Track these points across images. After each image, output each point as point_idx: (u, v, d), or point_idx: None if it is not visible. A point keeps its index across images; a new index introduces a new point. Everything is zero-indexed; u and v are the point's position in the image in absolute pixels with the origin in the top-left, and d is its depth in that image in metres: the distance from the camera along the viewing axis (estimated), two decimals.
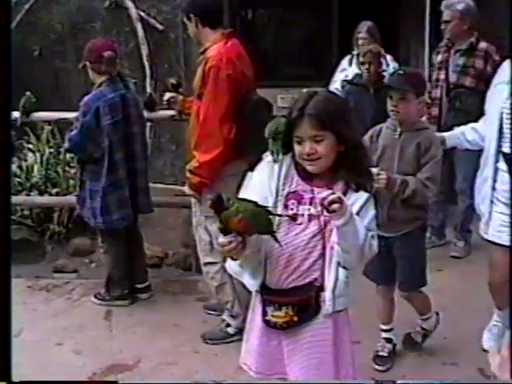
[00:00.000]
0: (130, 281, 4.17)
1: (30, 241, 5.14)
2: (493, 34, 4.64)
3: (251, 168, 2.27)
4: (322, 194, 1.95)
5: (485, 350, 3.28)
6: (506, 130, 2.96)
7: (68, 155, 5.26)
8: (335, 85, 5.05)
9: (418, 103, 3.02)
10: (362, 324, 3.07)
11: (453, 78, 4.57)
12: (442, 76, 4.61)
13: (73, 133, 3.90)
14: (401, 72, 3.20)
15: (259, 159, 2.23)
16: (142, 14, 6.12)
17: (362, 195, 2.11)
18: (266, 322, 2.17)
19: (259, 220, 2.02)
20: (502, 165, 3.01)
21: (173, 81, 4.00)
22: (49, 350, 3.57)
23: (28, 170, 5.43)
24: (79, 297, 4.26)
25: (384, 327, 3.35)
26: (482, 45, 4.50)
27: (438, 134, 3.39)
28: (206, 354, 3.49)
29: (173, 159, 6.17)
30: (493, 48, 4.47)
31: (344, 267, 2.10)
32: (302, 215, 2.11)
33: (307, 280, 2.11)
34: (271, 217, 2.07)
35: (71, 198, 4.60)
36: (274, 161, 2.17)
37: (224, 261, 2.42)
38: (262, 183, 2.17)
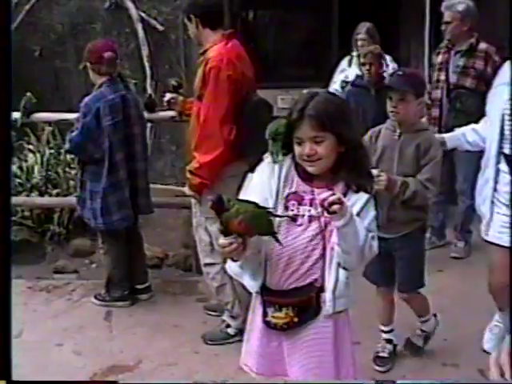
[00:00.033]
0: (130, 281, 4.17)
1: (31, 242, 5.14)
2: (493, 34, 4.64)
3: (251, 169, 2.27)
4: (323, 194, 1.95)
5: (485, 351, 3.28)
6: (507, 132, 2.95)
7: (68, 156, 5.26)
8: (335, 86, 5.05)
9: (417, 104, 3.01)
10: (362, 325, 3.06)
11: (453, 78, 4.57)
12: (443, 77, 4.61)
13: (73, 134, 3.90)
14: (400, 73, 3.20)
15: (259, 160, 2.23)
16: (143, 14, 6.12)
17: (363, 196, 2.11)
18: (267, 323, 2.17)
19: (260, 221, 2.02)
20: (504, 166, 2.99)
21: (173, 82, 4.00)
22: (49, 351, 3.57)
23: (28, 170, 5.44)
24: (79, 297, 4.26)
25: (384, 328, 3.34)
26: (482, 46, 4.50)
27: (439, 136, 3.39)
28: (207, 355, 3.49)
29: (173, 160, 6.17)
30: (493, 49, 4.47)
31: (344, 268, 2.10)
32: (303, 216, 2.11)
33: (307, 281, 2.11)
34: (272, 218, 2.07)
35: (71, 199, 4.61)
36: (274, 162, 2.17)
37: (224, 262, 2.42)
38: (262, 184, 2.17)
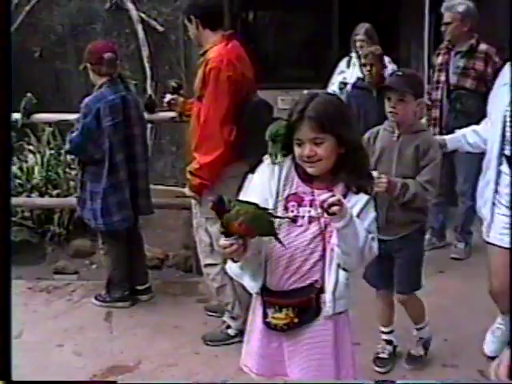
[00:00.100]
0: (130, 282, 4.17)
1: (31, 242, 5.14)
2: (493, 35, 4.64)
3: (252, 170, 2.27)
4: (322, 196, 1.96)
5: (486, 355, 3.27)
6: (509, 133, 2.94)
7: (68, 157, 5.26)
8: (333, 87, 5.06)
9: (416, 105, 3.00)
10: (362, 326, 3.06)
11: (453, 79, 4.57)
12: (443, 78, 4.61)
13: (73, 134, 3.90)
14: (399, 73, 3.19)
15: (260, 161, 2.23)
16: (143, 15, 6.12)
17: (362, 197, 2.11)
18: (267, 324, 2.17)
19: (260, 223, 2.02)
20: (505, 168, 2.98)
21: (173, 83, 4.00)
22: (49, 352, 3.57)
23: (29, 171, 5.44)
24: (80, 298, 4.26)
25: (384, 329, 3.34)
26: (483, 47, 4.50)
27: (439, 137, 3.38)
28: (207, 356, 3.49)
29: (173, 161, 6.17)
30: (493, 50, 4.47)
31: (344, 269, 2.10)
32: (303, 217, 2.11)
33: (307, 282, 2.12)
34: (272, 219, 2.07)
35: (72, 200, 4.61)
36: (273, 163, 2.17)
37: (224, 262, 2.42)
38: (262, 185, 2.18)
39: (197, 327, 3.76)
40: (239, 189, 2.32)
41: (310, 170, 2.11)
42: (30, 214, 5.27)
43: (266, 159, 2.20)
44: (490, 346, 3.32)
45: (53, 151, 5.62)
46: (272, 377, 2.28)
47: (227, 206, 1.99)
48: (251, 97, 3.44)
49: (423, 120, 4.06)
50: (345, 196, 2.07)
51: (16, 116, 4.45)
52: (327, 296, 2.11)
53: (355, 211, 2.06)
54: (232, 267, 2.15)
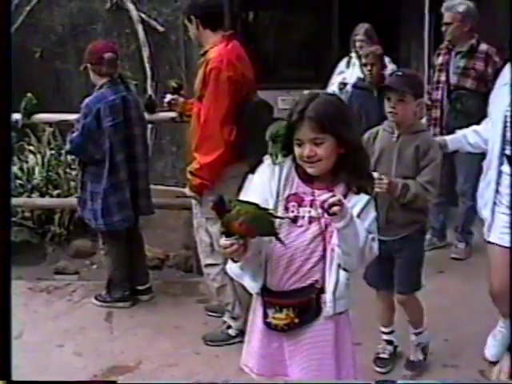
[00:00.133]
0: (130, 282, 4.17)
1: (31, 242, 5.15)
2: (493, 35, 4.64)
3: (252, 170, 2.27)
4: (323, 196, 1.96)
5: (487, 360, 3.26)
6: (510, 133, 2.93)
7: (69, 157, 5.27)
8: (332, 87, 5.05)
9: (416, 105, 2.99)
10: (363, 326, 3.06)
11: (453, 79, 4.57)
12: (443, 78, 4.61)
13: (74, 134, 3.90)
14: (399, 73, 3.17)
15: (260, 161, 2.23)
16: (143, 15, 6.12)
17: (363, 197, 2.11)
18: (267, 324, 2.17)
19: (261, 223, 2.02)
20: (506, 168, 2.97)
21: (174, 83, 4.00)
22: (50, 352, 3.57)
23: (29, 171, 5.44)
24: (80, 298, 4.26)
25: (384, 330, 3.34)
26: (483, 47, 4.50)
27: (440, 138, 3.37)
28: (207, 356, 3.49)
29: (173, 161, 6.17)
30: (493, 50, 4.47)
31: (345, 269, 2.10)
32: (303, 217, 2.11)
33: (308, 282, 2.12)
34: (273, 219, 2.07)
35: (72, 200, 4.61)
36: (274, 163, 2.17)
37: (225, 263, 2.42)
38: (262, 185, 2.18)
39: (197, 327, 3.76)
40: (239, 189, 2.32)
41: (309, 171, 2.11)
42: (31, 215, 5.27)
43: (267, 159, 2.20)
44: (491, 350, 3.30)
45: (53, 151, 5.63)
46: (272, 377, 2.28)
47: (228, 205, 1.99)
48: (251, 97, 3.44)
49: (423, 120, 4.05)
50: (345, 196, 2.07)
51: (16, 116, 4.45)
52: (327, 296, 2.11)
53: (355, 211, 2.06)
54: (232, 267, 2.16)
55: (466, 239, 4.73)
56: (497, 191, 3.01)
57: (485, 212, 3.09)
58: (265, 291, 2.17)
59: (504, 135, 2.95)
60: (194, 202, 3.56)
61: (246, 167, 2.74)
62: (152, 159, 5.14)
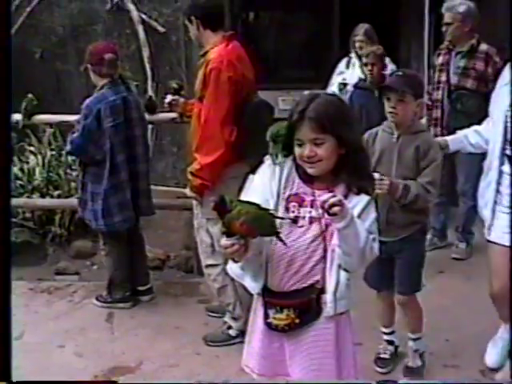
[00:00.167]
0: (131, 283, 4.17)
1: (32, 243, 5.15)
2: (494, 36, 4.64)
3: (252, 170, 2.27)
4: (323, 196, 1.96)
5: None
6: (511, 133, 2.93)
7: (70, 157, 5.27)
8: (332, 87, 5.05)
9: (416, 105, 2.99)
10: (363, 326, 3.07)
11: (454, 79, 4.57)
12: (443, 78, 4.61)
13: (74, 135, 3.90)
14: (399, 73, 3.16)
15: (260, 162, 2.23)
16: (144, 16, 6.12)
17: (363, 198, 2.11)
18: (268, 325, 2.17)
19: (262, 223, 2.02)
20: (507, 168, 2.96)
21: (174, 84, 4.00)
22: (50, 353, 3.57)
23: (30, 172, 5.44)
24: (81, 299, 4.26)
25: (385, 330, 3.34)
26: (483, 47, 4.50)
27: (442, 139, 3.36)
28: (208, 356, 3.49)
29: (174, 161, 6.17)
30: (493, 50, 4.48)
31: (345, 270, 2.10)
32: (303, 218, 2.11)
33: (308, 282, 2.11)
34: (273, 219, 2.07)
35: (73, 201, 4.61)
36: (274, 163, 2.17)
37: (225, 263, 2.42)
38: (263, 185, 2.18)
39: (198, 328, 3.77)
40: (240, 189, 2.32)
41: (310, 171, 2.11)
42: (31, 215, 5.28)
43: (267, 160, 2.20)
44: (491, 357, 3.25)
45: (54, 152, 5.63)
46: (273, 377, 2.28)
47: (229, 205, 1.99)
48: (252, 97, 3.44)
49: (423, 120, 4.05)
50: (346, 197, 2.06)
51: (17, 117, 4.45)
52: (328, 296, 2.11)
53: (356, 212, 2.06)
54: (233, 268, 2.16)
55: (466, 239, 4.73)
56: (497, 191, 3.00)
57: (485, 212, 3.09)
58: (265, 292, 2.17)
59: (505, 135, 2.95)
60: (194, 202, 3.56)
61: (246, 168, 2.75)
62: (152, 160, 5.13)
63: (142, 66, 6.08)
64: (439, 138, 3.41)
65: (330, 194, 1.96)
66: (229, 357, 3.38)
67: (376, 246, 2.10)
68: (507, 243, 2.93)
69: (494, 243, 3.05)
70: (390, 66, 4.92)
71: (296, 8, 6.89)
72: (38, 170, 5.44)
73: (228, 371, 3.24)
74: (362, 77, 4.89)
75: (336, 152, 2.08)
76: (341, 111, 2.12)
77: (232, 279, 2.82)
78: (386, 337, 3.34)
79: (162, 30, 6.11)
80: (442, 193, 3.95)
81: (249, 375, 2.31)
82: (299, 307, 2.12)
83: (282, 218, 2.11)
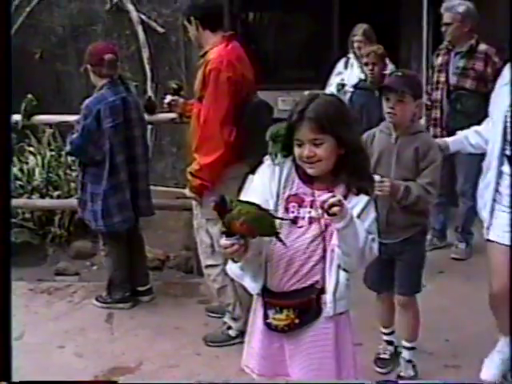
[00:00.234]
0: (131, 283, 4.17)
1: (32, 244, 5.15)
2: (493, 36, 4.64)
3: (252, 171, 2.27)
4: (323, 196, 1.96)
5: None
6: (510, 134, 2.92)
7: (69, 158, 5.27)
8: (331, 88, 5.05)
9: (414, 106, 2.97)
10: (363, 326, 3.07)
11: (453, 80, 4.58)
12: (443, 78, 4.61)
13: (74, 136, 3.90)
14: (399, 73, 3.14)
15: (260, 162, 2.23)
16: (143, 16, 6.12)
17: (363, 198, 2.11)
18: (268, 325, 2.17)
19: (262, 223, 2.02)
20: (506, 168, 2.95)
21: (174, 84, 4.00)
22: (50, 353, 3.57)
23: (29, 172, 5.45)
24: (81, 299, 4.26)
25: (385, 330, 3.34)
26: (482, 47, 4.51)
27: (442, 140, 3.35)
28: (208, 357, 3.49)
29: (174, 162, 6.18)
30: (493, 50, 4.48)
31: (345, 270, 2.10)
32: (303, 218, 2.11)
33: (308, 283, 2.12)
34: (273, 219, 2.07)
35: (72, 201, 4.61)
36: (273, 162, 2.17)
37: (225, 263, 2.42)
38: (262, 186, 2.18)
39: (198, 328, 3.76)
40: (239, 190, 2.32)
41: (309, 171, 2.11)
42: (31, 216, 5.28)
43: (267, 160, 2.20)
44: (487, 372, 3.14)
45: (53, 153, 5.63)
46: (273, 377, 2.28)
47: (229, 205, 1.99)
48: (251, 98, 3.44)
49: (422, 121, 4.05)
50: (345, 197, 2.07)
51: (16, 117, 4.45)
52: (328, 297, 2.11)
53: (356, 212, 2.06)
54: (232, 268, 2.16)
55: (466, 239, 4.73)
56: (496, 190, 2.99)
57: (484, 212, 3.08)
58: (265, 292, 2.17)
59: (504, 135, 2.94)
60: (194, 203, 3.56)
61: (246, 168, 2.75)
62: (152, 160, 5.14)
63: (141, 67, 6.08)
64: (439, 140, 3.39)
65: (330, 194, 1.96)
66: (229, 357, 3.38)
67: (375, 246, 2.10)
68: (507, 242, 2.92)
69: (494, 242, 3.05)
70: (390, 66, 4.91)
71: (296, 8, 6.89)
72: (37, 171, 5.45)
73: (228, 371, 3.24)
74: (362, 77, 4.88)
75: (335, 152, 2.09)
76: (340, 112, 2.12)
77: (232, 279, 2.81)
78: (385, 337, 3.34)
79: (161, 30, 6.11)
80: (441, 193, 3.94)
81: (249, 375, 2.31)
82: (299, 307, 2.12)
83: (282, 219, 2.11)
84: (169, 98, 3.96)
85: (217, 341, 3.61)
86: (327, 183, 2.12)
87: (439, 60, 4.67)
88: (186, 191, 3.51)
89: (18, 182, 5.31)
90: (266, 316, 2.17)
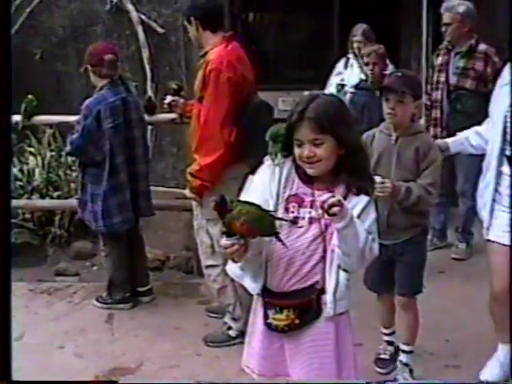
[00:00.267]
0: (131, 284, 4.17)
1: (32, 244, 5.15)
2: (493, 36, 4.64)
3: (252, 171, 2.27)
4: (323, 197, 1.96)
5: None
6: (510, 134, 2.92)
7: (69, 158, 5.27)
8: (330, 88, 5.05)
9: (414, 106, 2.97)
10: (364, 326, 3.06)
11: (453, 80, 4.58)
12: (443, 78, 4.62)
13: (74, 136, 3.90)
14: (398, 74, 3.14)
15: (260, 162, 2.23)
16: (143, 17, 6.13)
17: (363, 198, 2.11)
18: (268, 325, 2.17)
19: (262, 223, 2.02)
20: (506, 168, 2.95)
21: (174, 85, 4.00)
22: (50, 354, 3.57)
23: (29, 173, 5.44)
24: (81, 300, 4.26)
25: (385, 331, 3.33)
26: (482, 47, 4.51)
27: (443, 141, 3.34)
28: (208, 357, 3.49)
29: (174, 162, 6.18)
30: (492, 50, 4.48)
31: (345, 270, 2.10)
32: (303, 218, 2.11)
33: (308, 283, 2.12)
34: (274, 219, 2.07)
35: (72, 202, 4.61)
36: (273, 162, 2.17)
37: (225, 264, 2.42)
38: (262, 186, 2.18)
39: (198, 328, 3.76)
40: (240, 190, 2.32)
41: (309, 171, 2.11)
42: (31, 216, 5.27)
43: (267, 160, 2.20)
44: (489, 372, 3.12)
45: (53, 153, 5.63)
46: (274, 377, 2.28)
47: (229, 205, 1.99)
48: (252, 98, 3.44)
49: (421, 121, 4.04)
50: (345, 197, 2.06)
51: (17, 118, 4.45)
52: (328, 297, 2.11)
53: (356, 212, 2.06)
54: (232, 268, 2.16)
55: (466, 239, 4.73)
56: (496, 190, 2.99)
57: (484, 212, 3.08)
58: (265, 292, 2.17)
59: (504, 135, 2.94)
60: (194, 203, 3.56)
61: (246, 168, 2.75)
62: (152, 161, 5.14)
63: (141, 67, 6.08)
64: (439, 141, 3.39)
65: (330, 195, 1.96)
66: (229, 357, 3.38)
67: (375, 246, 2.10)
68: (507, 242, 2.92)
69: (494, 243, 3.04)
70: (390, 66, 4.92)
71: (296, 8, 6.90)
72: (37, 171, 5.44)
73: (228, 372, 3.24)
74: (363, 77, 4.88)
75: (335, 152, 2.08)
76: (340, 112, 2.12)
77: (232, 280, 2.81)
78: (386, 337, 3.34)
79: (161, 30, 6.12)
80: (441, 193, 3.93)
81: (249, 376, 2.31)
82: (299, 307, 2.12)
83: (282, 219, 2.11)
84: (169, 98, 3.97)
85: (217, 341, 3.61)
86: (327, 183, 2.12)
87: (439, 60, 4.67)
88: (186, 192, 3.51)
89: (18, 183, 5.31)
90: (266, 316, 2.17)
